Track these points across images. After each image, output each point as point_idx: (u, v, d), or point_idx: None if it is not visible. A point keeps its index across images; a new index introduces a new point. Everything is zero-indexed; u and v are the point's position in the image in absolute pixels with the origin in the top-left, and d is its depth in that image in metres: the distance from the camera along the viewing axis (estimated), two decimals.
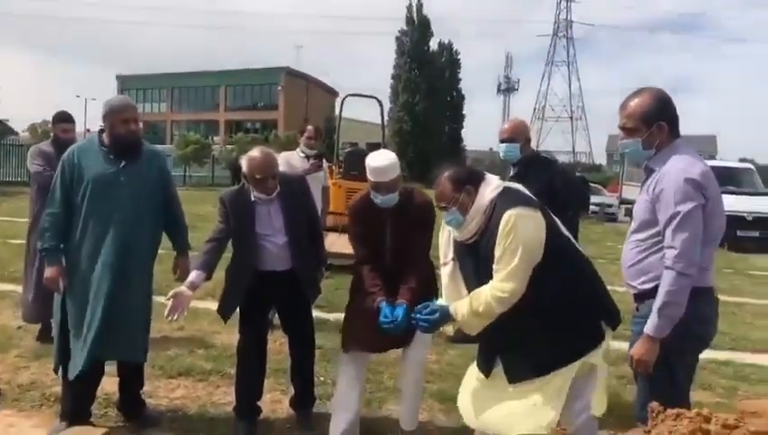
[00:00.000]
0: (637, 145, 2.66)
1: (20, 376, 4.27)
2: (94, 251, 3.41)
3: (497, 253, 2.57)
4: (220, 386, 4.23)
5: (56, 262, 3.45)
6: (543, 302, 2.59)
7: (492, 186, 2.69)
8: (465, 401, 2.89)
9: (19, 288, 6.82)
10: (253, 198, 3.52)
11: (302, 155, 5.89)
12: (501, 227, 2.54)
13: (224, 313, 3.63)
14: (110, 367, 3.65)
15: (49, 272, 3.44)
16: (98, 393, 3.68)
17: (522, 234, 2.51)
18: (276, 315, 4.12)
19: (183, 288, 3.34)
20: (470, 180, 2.71)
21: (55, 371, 3.60)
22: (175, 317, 3.27)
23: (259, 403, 3.73)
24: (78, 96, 70.12)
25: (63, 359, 3.46)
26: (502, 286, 2.55)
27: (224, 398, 4.00)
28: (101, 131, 3.53)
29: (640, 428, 1.76)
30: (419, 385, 3.52)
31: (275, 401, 4.02)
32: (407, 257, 3.27)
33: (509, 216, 2.53)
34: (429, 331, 2.94)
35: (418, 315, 2.77)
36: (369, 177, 3.23)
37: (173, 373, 4.43)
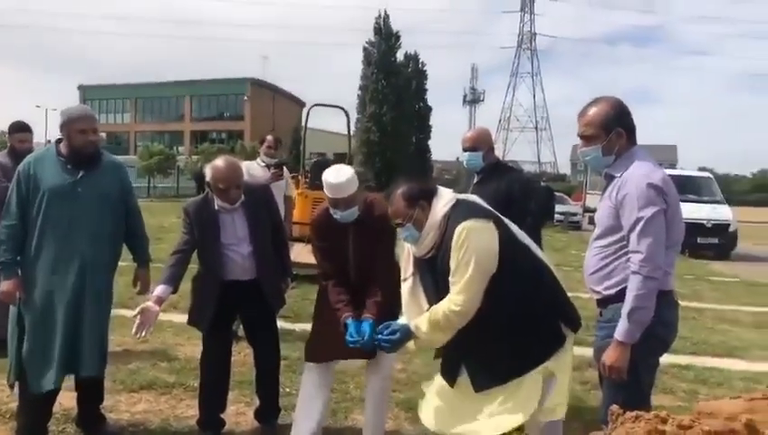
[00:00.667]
0: (597, 152, 2.71)
1: None
2: (52, 263, 3.33)
3: (452, 266, 2.58)
4: (183, 399, 4.15)
5: (13, 275, 3.36)
6: (502, 310, 2.60)
7: (444, 200, 2.71)
8: (428, 409, 2.89)
9: None
10: (217, 208, 3.48)
11: (263, 164, 5.91)
12: (454, 241, 2.56)
13: (196, 323, 3.59)
14: (68, 382, 3.55)
15: (5, 286, 3.35)
16: (55, 409, 3.59)
17: (474, 246, 2.53)
18: (241, 326, 4.08)
19: (149, 304, 3.29)
20: (423, 196, 2.72)
21: (11, 386, 3.49)
22: (143, 334, 3.25)
23: (223, 416, 3.68)
24: (38, 106, 68.63)
25: (19, 373, 3.36)
26: (457, 299, 2.57)
27: (187, 411, 3.93)
28: (59, 141, 3.46)
29: (602, 431, 1.77)
30: (385, 396, 3.49)
31: (240, 412, 3.96)
32: (371, 269, 3.25)
33: (461, 228, 2.55)
34: (392, 351, 2.96)
35: (380, 336, 2.80)
36: (327, 193, 3.20)
37: (135, 387, 4.33)
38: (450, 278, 2.60)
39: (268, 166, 5.88)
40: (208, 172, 3.46)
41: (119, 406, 4.02)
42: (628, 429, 1.49)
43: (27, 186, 3.34)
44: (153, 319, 3.29)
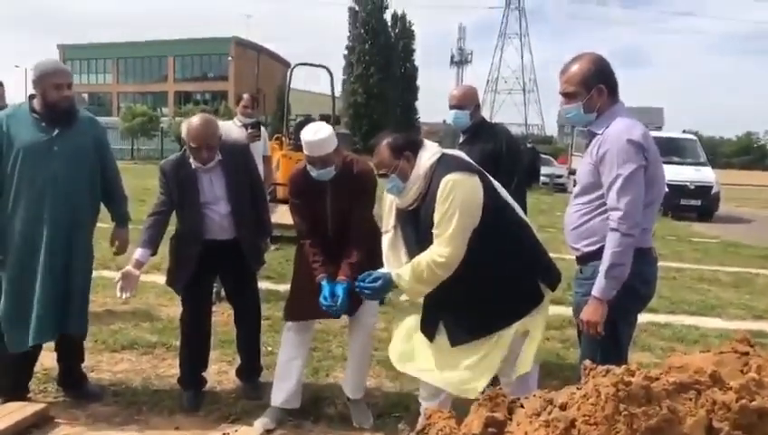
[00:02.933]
0: (578, 109, 2.69)
1: None
2: (29, 222, 3.28)
3: (436, 218, 2.59)
4: (165, 358, 4.17)
5: None
6: (481, 265, 2.62)
7: (430, 152, 2.71)
8: (398, 348, 2.93)
9: None
10: (194, 166, 3.43)
11: (239, 124, 5.80)
12: (439, 193, 2.56)
13: (174, 285, 3.57)
14: (49, 342, 3.55)
15: None
16: (36, 369, 3.59)
17: (460, 199, 2.54)
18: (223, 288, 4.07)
19: (130, 268, 3.30)
20: (408, 147, 2.72)
21: None
22: (127, 295, 3.28)
23: (204, 374, 3.69)
24: (17, 66, 67.40)
25: None
26: (441, 251, 2.58)
27: (169, 370, 3.95)
28: (32, 97, 3.38)
29: (575, 386, 1.79)
30: (366, 353, 3.53)
31: (222, 371, 3.99)
32: (348, 228, 3.25)
33: (447, 181, 2.55)
34: (373, 298, 2.96)
35: (361, 283, 2.79)
36: (305, 151, 3.18)
37: (116, 347, 4.34)
38: (434, 230, 2.60)
39: (245, 126, 5.78)
40: (183, 129, 3.40)
41: (100, 366, 4.03)
42: (596, 382, 1.50)
43: (0, 143, 3.28)
44: (135, 282, 3.30)
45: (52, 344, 3.56)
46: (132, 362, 4.13)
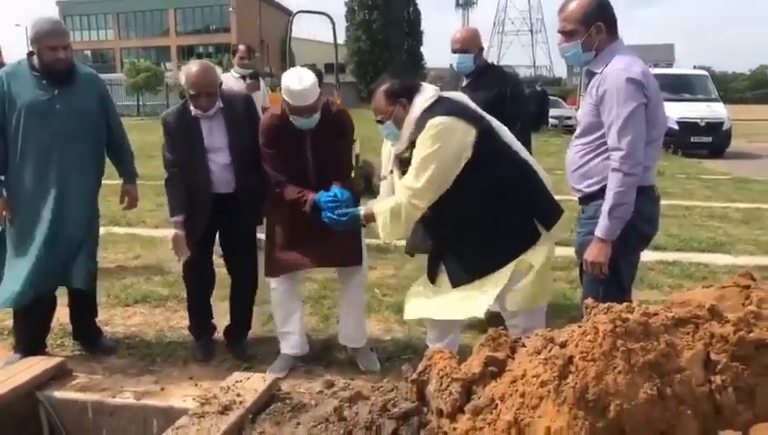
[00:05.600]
0: (576, 48, 2.65)
1: None
2: (34, 181, 3.30)
3: (415, 157, 2.60)
4: (177, 311, 4.24)
5: None
6: (478, 207, 2.64)
7: (426, 96, 2.69)
8: (409, 303, 2.96)
9: None
10: (194, 114, 3.35)
11: (237, 76, 5.73)
12: (422, 132, 2.57)
13: (190, 237, 3.43)
14: (64, 297, 3.61)
15: None
16: (53, 324, 3.67)
17: (442, 143, 2.54)
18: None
19: (176, 232, 3.38)
20: (404, 93, 2.71)
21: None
22: (184, 257, 3.43)
23: (213, 322, 3.74)
24: (18, 25, 66.57)
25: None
26: (416, 193, 2.61)
27: (181, 322, 4.01)
28: (30, 54, 3.35)
29: (576, 324, 1.81)
30: (360, 307, 3.51)
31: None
32: (329, 175, 3.19)
33: (434, 122, 2.55)
34: (336, 229, 2.93)
35: (329, 213, 2.84)
36: (289, 100, 3.08)
37: (129, 301, 4.42)
38: (410, 169, 2.61)
39: (243, 77, 5.70)
40: (182, 77, 3.34)
41: (114, 320, 4.12)
42: (595, 320, 1.52)
43: (2, 103, 3.26)
44: (184, 243, 3.37)
45: (67, 300, 3.63)
46: (145, 316, 4.21)
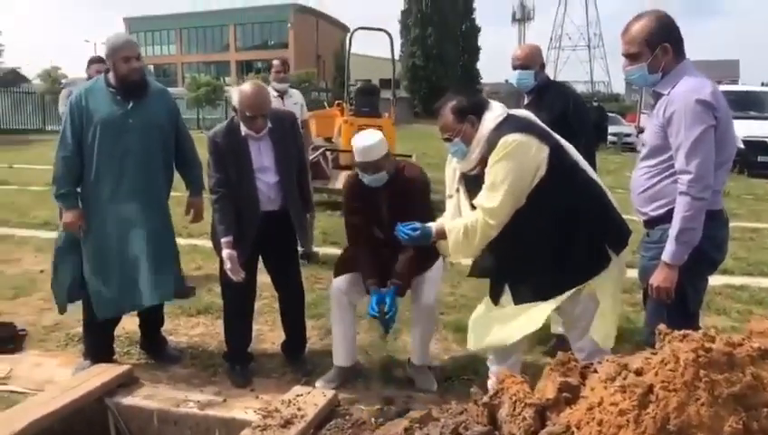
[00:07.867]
0: (642, 70, 2.59)
1: (44, 318, 4.38)
2: (109, 194, 3.43)
3: (488, 176, 2.55)
4: None
5: (73, 206, 3.47)
6: (550, 225, 2.59)
7: (495, 113, 2.65)
8: (471, 329, 2.93)
9: (39, 233, 6.99)
10: (243, 134, 3.38)
11: (276, 94, 5.62)
12: (495, 150, 2.52)
13: (240, 257, 3.35)
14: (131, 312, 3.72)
15: (68, 217, 3.46)
16: (119, 332, 3.79)
17: (517, 160, 2.49)
18: None
19: (230, 252, 3.30)
20: (473, 110, 2.66)
21: (61, 311, 3.66)
22: (241, 276, 3.31)
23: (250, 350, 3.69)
24: (87, 40, 69.51)
25: (65, 300, 3.56)
26: (491, 213, 2.56)
27: None
28: (107, 71, 3.50)
29: (648, 350, 1.76)
30: (430, 326, 3.52)
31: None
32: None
33: (504, 140, 2.50)
34: (407, 243, 2.93)
35: (402, 228, 2.80)
36: (355, 156, 3.26)
37: (192, 312, 4.52)
38: (484, 189, 2.57)
39: (281, 95, 5.65)
40: (235, 97, 3.37)
41: (178, 329, 4.22)
42: (674, 347, 1.47)
43: (81, 118, 3.41)
44: (237, 263, 3.31)
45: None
46: (207, 326, 4.30)
